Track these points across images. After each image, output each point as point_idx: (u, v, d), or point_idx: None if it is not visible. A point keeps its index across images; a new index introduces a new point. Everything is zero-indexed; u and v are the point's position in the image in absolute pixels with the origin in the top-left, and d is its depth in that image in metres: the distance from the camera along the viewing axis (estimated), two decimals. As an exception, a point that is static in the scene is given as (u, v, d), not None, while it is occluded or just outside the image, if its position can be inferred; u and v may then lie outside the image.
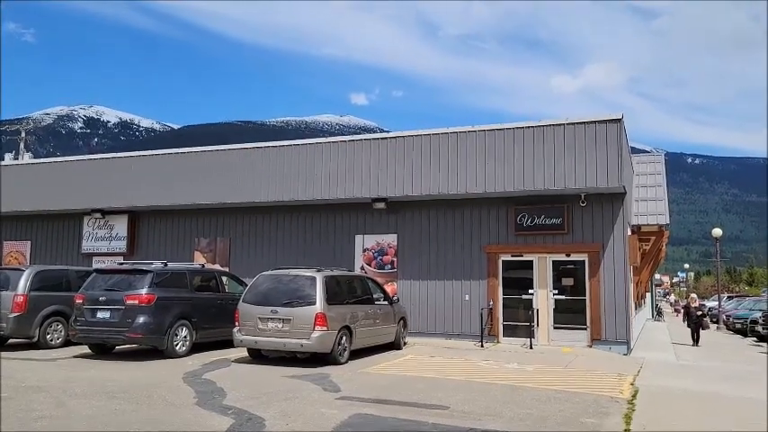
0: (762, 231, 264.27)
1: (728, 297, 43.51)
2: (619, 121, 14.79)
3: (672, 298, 77.49)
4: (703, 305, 20.45)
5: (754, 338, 22.50)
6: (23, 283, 13.80)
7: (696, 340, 18.91)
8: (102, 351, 13.18)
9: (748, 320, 24.48)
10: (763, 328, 19.94)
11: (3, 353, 13.07)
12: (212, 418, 7.40)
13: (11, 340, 14.21)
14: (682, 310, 56.21)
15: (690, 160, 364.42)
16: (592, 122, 14.98)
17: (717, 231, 32.72)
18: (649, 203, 21.58)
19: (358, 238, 18.02)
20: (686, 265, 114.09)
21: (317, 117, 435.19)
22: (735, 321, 27.58)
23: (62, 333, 14.13)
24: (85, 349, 13.32)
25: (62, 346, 14.05)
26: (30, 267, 14.87)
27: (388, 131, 25.23)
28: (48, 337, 13.98)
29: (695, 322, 19.23)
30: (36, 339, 13.79)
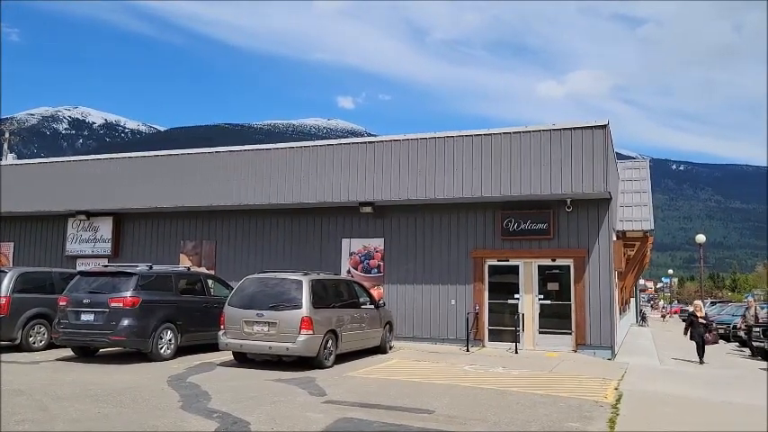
0: (745, 238, 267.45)
1: (712, 302, 43.98)
2: (604, 127, 14.93)
3: (661, 304, 79.91)
4: (697, 315, 16.90)
5: (737, 344, 22.78)
6: (6, 284, 13.64)
7: (701, 357, 15.90)
8: (86, 354, 13.07)
9: (731, 326, 24.79)
10: (745, 333, 20.17)
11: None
12: (197, 421, 7.36)
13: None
14: (667, 314, 57.51)
15: (674, 167, 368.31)
16: (578, 128, 15.10)
17: (700, 237, 33.14)
18: (634, 209, 21.80)
19: (345, 241, 18.01)
20: (670, 271, 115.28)
21: (304, 120, 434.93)
22: (717, 327, 27.87)
23: (45, 336, 13.99)
24: (69, 352, 13.19)
25: (45, 348, 13.89)
26: (13, 269, 14.69)
27: (375, 135, 25.25)
28: (30, 339, 13.82)
29: (701, 335, 16.07)
30: (18, 342, 13.63)
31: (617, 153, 18.69)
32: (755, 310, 19.53)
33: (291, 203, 17.84)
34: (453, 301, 16.66)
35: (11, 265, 20.79)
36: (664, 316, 56.61)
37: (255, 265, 17.17)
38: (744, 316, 19.43)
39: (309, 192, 17.43)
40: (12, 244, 22.30)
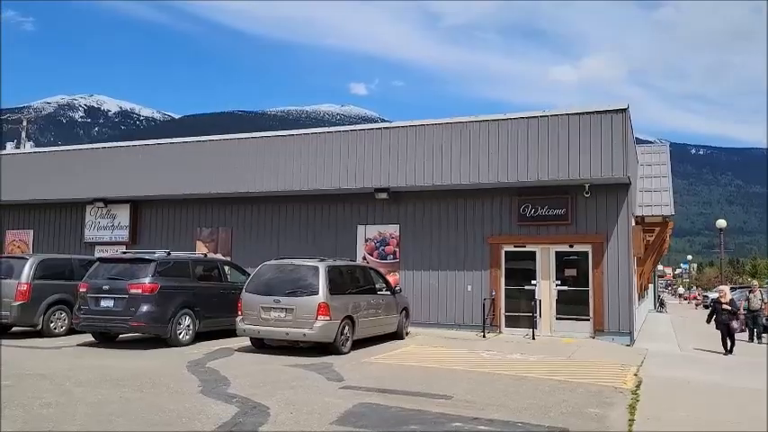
0: (765, 223, 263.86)
1: (731, 288, 43.39)
2: (624, 111, 14.72)
3: (680, 290, 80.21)
4: (721, 301, 15.45)
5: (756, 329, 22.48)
6: (27, 271, 13.81)
7: (730, 348, 14.70)
8: (106, 339, 13.21)
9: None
10: (766, 319, 19.86)
11: (6, 341, 13.10)
12: (217, 405, 7.41)
13: (15, 328, 14.25)
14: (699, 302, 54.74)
15: (694, 151, 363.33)
16: (597, 113, 14.90)
17: (720, 222, 32.75)
18: (653, 194, 21.53)
19: (360, 228, 17.99)
20: (689, 257, 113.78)
21: (317, 107, 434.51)
22: (740, 314, 27.53)
23: (66, 321, 14.15)
24: (89, 338, 13.33)
25: (66, 334, 14.07)
26: (33, 256, 14.87)
27: (389, 121, 25.15)
28: (51, 325, 14.00)
29: (726, 324, 14.80)
30: (40, 328, 13.81)
31: (636, 138, 18.44)
32: (760, 293, 19.29)
33: (306, 190, 17.83)
34: (470, 287, 16.60)
35: (31, 253, 21.07)
36: (698, 304, 52.35)
37: (271, 252, 17.19)
38: (748, 299, 19.13)
39: (324, 178, 17.41)
40: (31, 231, 22.55)
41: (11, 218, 22.86)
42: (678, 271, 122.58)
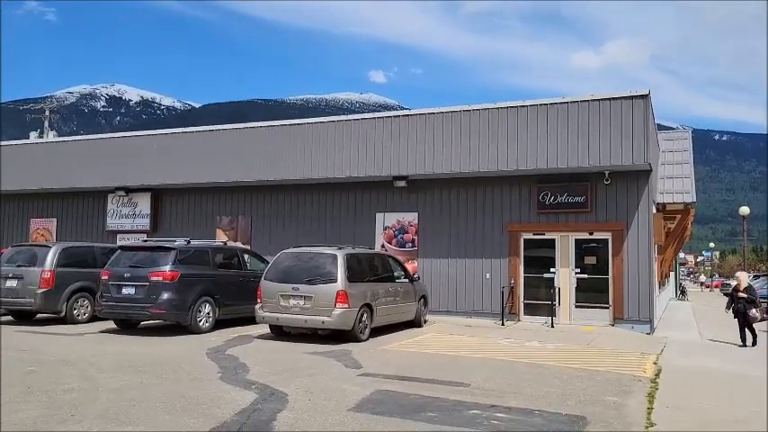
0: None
1: (754, 276, 42.86)
2: (645, 96, 14.49)
3: (702, 278, 79.89)
4: (738, 289, 14.39)
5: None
6: (50, 259, 14.03)
7: (753, 339, 13.59)
8: (128, 326, 13.40)
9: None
10: None
11: (30, 327, 13.38)
12: (236, 392, 7.49)
13: (39, 315, 14.54)
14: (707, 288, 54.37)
15: (717, 137, 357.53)
16: (618, 99, 14.70)
17: (744, 209, 32.27)
18: (675, 181, 21.25)
19: (378, 216, 17.99)
20: (711, 244, 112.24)
21: (336, 95, 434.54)
22: (760, 301, 27.16)
23: (88, 308, 14.38)
24: (111, 324, 13.55)
25: (88, 321, 14.29)
26: (56, 244, 15.09)
27: (408, 109, 24.98)
28: (74, 312, 14.23)
29: (742, 313, 13.67)
30: (63, 314, 14.05)
31: (657, 124, 18.17)
32: None
33: (325, 178, 17.86)
34: (488, 275, 16.56)
35: (54, 241, 21.39)
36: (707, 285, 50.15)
37: (290, 240, 17.27)
38: None
39: (343, 166, 17.41)
40: (55, 220, 22.90)
41: (35, 206, 23.22)
42: (700, 259, 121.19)
